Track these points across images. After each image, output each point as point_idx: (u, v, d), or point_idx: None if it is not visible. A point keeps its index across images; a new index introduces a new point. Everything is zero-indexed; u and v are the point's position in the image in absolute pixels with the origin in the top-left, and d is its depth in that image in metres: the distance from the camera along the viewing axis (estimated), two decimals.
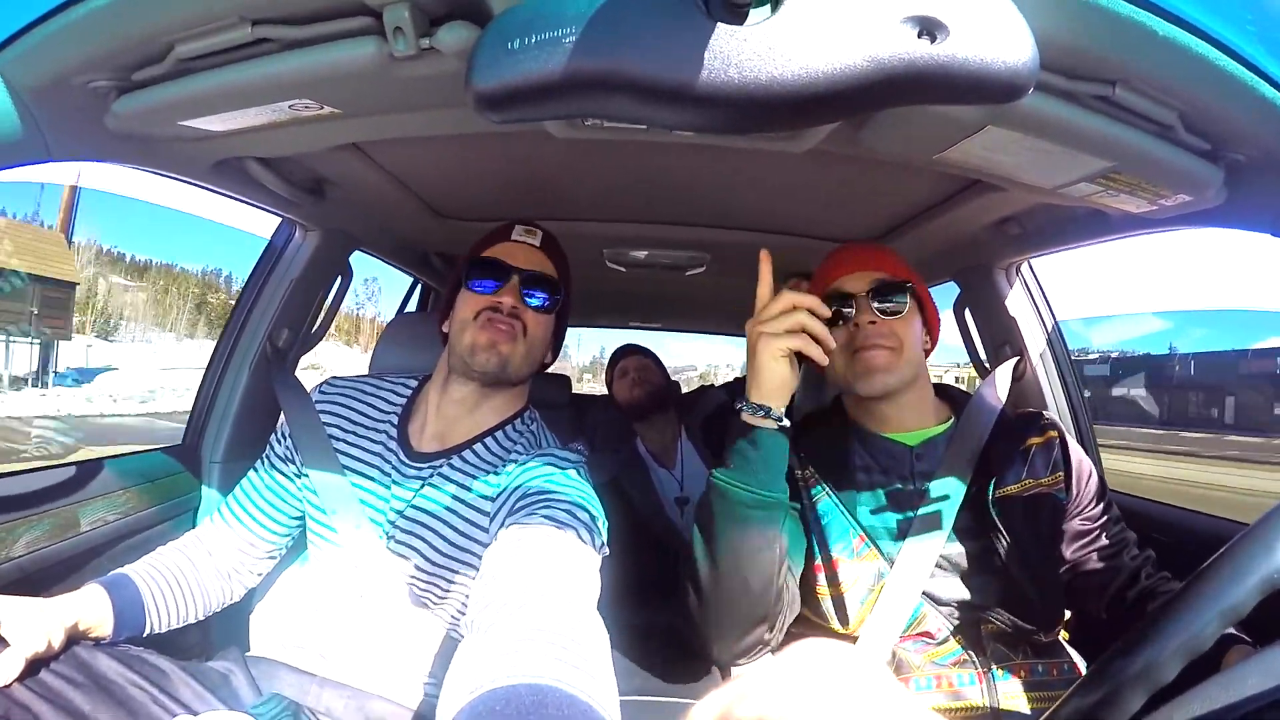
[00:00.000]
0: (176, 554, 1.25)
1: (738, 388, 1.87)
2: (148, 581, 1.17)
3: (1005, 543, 1.14)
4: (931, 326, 1.29)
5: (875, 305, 1.22)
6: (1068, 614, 1.24)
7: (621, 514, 2.41)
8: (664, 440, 2.75)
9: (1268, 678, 0.49)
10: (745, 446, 1.03)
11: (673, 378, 3.06)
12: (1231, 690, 0.50)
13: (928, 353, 1.29)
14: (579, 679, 0.66)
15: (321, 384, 1.37)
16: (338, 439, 1.28)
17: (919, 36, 0.53)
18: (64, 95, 0.93)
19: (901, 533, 1.18)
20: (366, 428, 1.28)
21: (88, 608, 1.04)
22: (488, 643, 0.73)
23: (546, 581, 0.86)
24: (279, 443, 1.33)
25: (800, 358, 1.03)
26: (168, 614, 1.18)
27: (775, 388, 1.03)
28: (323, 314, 1.97)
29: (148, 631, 1.14)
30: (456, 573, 1.14)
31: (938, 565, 1.16)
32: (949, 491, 1.19)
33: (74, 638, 1.00)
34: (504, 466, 1.18)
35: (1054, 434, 1.26)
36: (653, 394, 2.72)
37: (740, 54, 0.53)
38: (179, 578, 1.21)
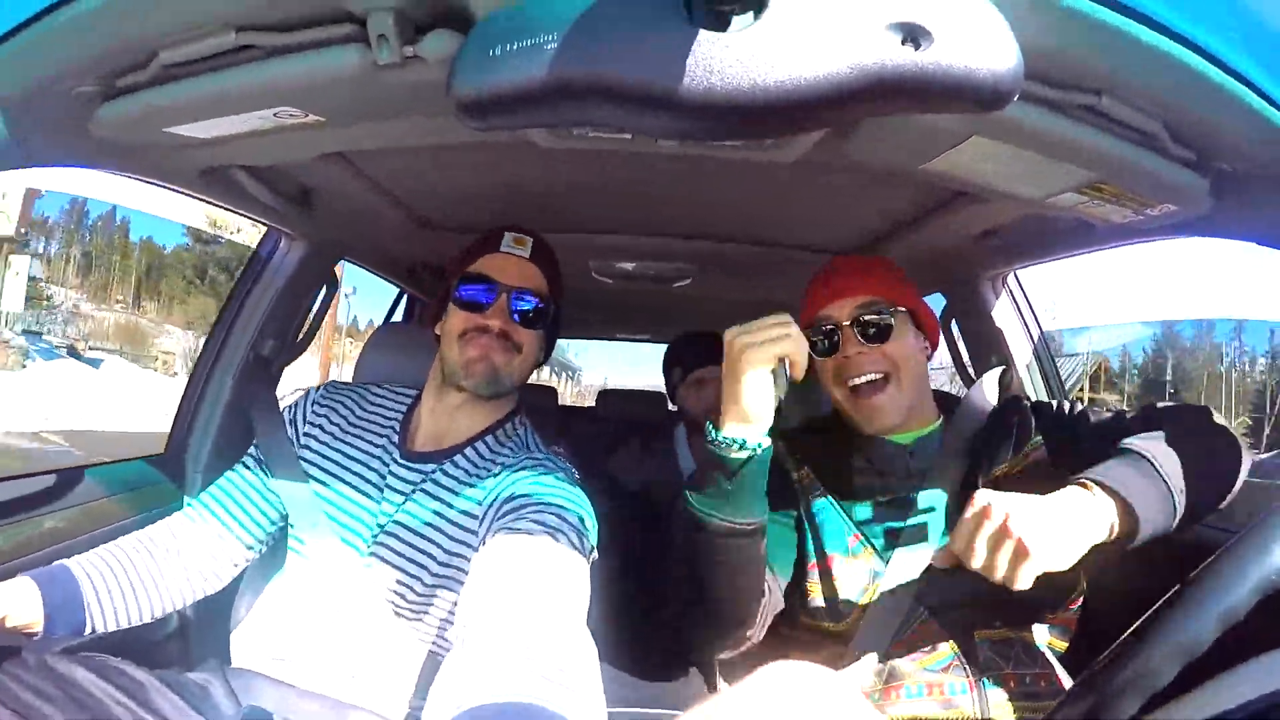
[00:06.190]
0: (136, 546, 1.19)
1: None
2: (91, 575, 1.11)
3: None
4: (929, 333, 1.29)
5: (859, 334, 1.20)
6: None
7: (641, 522, 2.24)
8: None
9: (1263, 685, 0.49)
10: (719, 478, 0.99)
11: (659, 391, 2.96)
12: (1228, 695, 0.50)
13: (928, 357, 1.29)
14: (565, 698, 0.66)
15: (325, 385, 1.37)
16: (337, 438, 1.27)
17: (903, 43, 0.53)
18: (47, 101, 0.92)
19: (897, 532, 1.18)
20: (367, 430, 1.28)
21: (13, 603, 0.98)
22: (474, 660, 0.73)
23: (534, 596, 0.86)
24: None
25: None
26: (114, 611, 1.12)
27: (759, 404, 0.96)
28: (308, 324, 1.96)
29: (89, 630, 1.08)
30: (443, 584, 1.13)
31: (933, 563, 1.16)
32: (944, 486, 1.19)
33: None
34: (494, 471, 1.18)
35: (1025, 403, 1.29)
36: None
37: (723, 60, 0.53)
38: (131, 573, 1.16)
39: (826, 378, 1.25)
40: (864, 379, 1.20)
